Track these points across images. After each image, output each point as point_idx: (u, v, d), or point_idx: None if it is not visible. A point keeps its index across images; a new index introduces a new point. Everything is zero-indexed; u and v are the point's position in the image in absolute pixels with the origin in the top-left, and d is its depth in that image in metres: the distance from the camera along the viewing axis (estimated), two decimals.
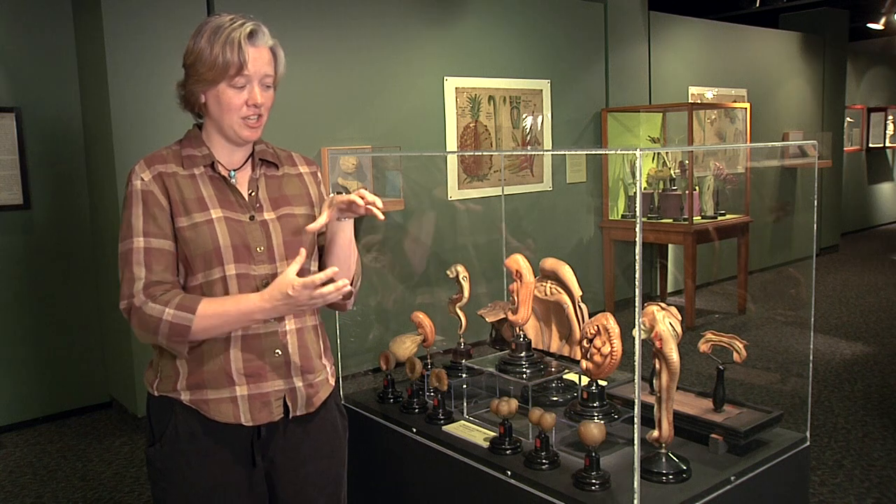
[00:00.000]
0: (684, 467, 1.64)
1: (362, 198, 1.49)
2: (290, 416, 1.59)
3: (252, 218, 1.55)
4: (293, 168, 1.68)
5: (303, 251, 1.46)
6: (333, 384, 1.71)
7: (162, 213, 1.51)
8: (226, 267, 1.51)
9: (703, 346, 1.85)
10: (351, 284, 1.64)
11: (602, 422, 1.69)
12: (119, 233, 1.54)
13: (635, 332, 1.51)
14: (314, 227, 1.51)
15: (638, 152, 1.44)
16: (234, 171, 1.59)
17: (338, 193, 1.58)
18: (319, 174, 1.73)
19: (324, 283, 1.41)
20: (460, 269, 2.29)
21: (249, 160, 1.62)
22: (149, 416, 1.60)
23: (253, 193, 1.58)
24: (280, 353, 1.56)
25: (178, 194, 1.52)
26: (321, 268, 1.64)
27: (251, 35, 1.49)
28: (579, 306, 2.18)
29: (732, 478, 1.65)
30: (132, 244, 1.49)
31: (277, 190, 1.62)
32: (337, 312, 2.11)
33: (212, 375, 1.53)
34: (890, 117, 10.84)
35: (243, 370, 1.53)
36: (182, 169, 1.54)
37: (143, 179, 1.52)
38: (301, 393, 1.59)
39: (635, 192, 5.85)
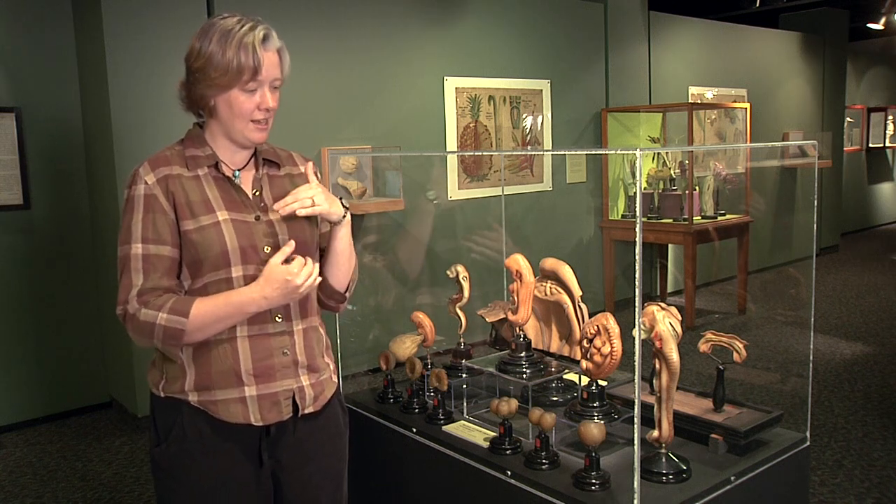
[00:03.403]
0: (684, 467, 1.64)
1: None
2: (300, 414, 1.59)
3: (258, 218, 1.55)
4: (295, 168, 1.69)
5: (292, 242, 1.50)
6: (336, 381, 1.72)
7: (163, 218, 1.49)
8: (233, 269, 1.51)
9: (703, 346, 1.85)
10: (346, 290, 1.70)
11: (602, 422, 1.69)
12: (118, 236, 1.53)
13: (635, 332, 1.51)
14: (281, 205, 1.53)
15: (638, 152, 1.44)
16: (238, 170, 1.59)
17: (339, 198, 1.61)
18: (319, 173, 1.72)
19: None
20: (460, 269, 2.29)
21: (252, 160, 1.62)
22: (153, 417, 1.59)
23: (257, 193, 1.59)
24: (288, 352, 1.56)
25: (184, 197, 1.51)
26: (322, 271, 1.65)
27: (265, 39, 1.48)
28: (579, 306, 2.18)
29: (732, 478, 1.65)
30: (130, 250, 1.49)
31: (281, 189, 1.62)
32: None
33: (220, 376, 1.52)
34: (890, 117, 10.83)
35: (252, 370, 1.53)
36: (186, 170, 1.53)
37: (146, 183, 1.50)
38: (309, 391, 1.60)
39: (635, 192, 5.85)
